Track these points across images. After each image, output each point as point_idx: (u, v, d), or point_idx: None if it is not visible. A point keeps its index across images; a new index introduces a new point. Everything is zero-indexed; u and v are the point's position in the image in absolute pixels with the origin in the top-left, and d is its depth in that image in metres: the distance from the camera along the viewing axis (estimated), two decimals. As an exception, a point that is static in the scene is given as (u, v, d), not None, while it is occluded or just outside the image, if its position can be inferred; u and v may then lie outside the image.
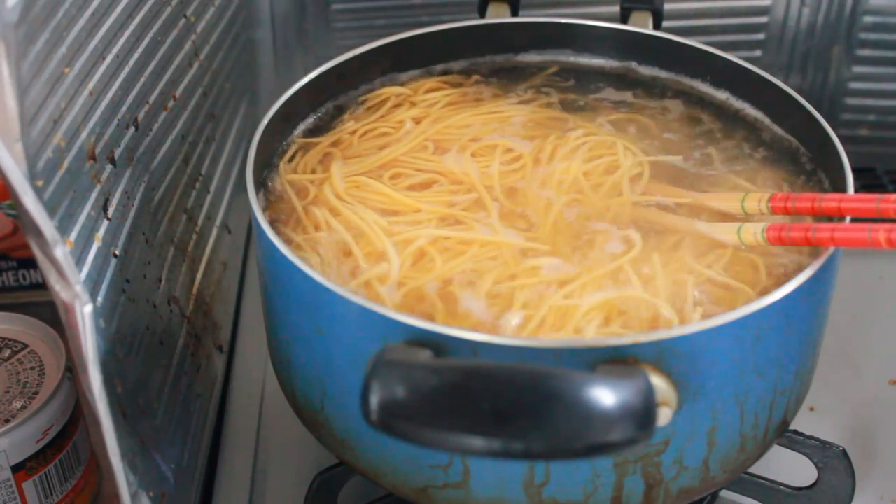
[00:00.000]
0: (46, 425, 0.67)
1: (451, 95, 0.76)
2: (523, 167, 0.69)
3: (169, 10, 0.72)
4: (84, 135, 0.58)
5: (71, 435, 0.69)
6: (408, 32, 0.77)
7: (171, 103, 0.73)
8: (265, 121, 0.68)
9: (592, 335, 0.57)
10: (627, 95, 0.77)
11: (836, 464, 0.67)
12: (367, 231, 0.63)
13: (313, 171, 0.69)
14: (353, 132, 0.73)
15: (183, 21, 0.75)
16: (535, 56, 0.80)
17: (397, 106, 0.75)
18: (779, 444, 0.66)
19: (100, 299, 0.57)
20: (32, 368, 0.70)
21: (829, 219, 0.61)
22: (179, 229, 0.74)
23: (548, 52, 0.80)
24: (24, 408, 0.67)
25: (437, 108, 0.74)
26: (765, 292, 0.56)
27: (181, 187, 0.75)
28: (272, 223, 0.66)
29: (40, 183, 0.51)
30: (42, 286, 0.87)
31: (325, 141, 0.72)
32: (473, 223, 0.64)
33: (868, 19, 0.99)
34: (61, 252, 0.50)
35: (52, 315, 0.57)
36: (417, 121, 0.73)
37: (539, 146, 0.70)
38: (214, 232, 0.83)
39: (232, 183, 0.89)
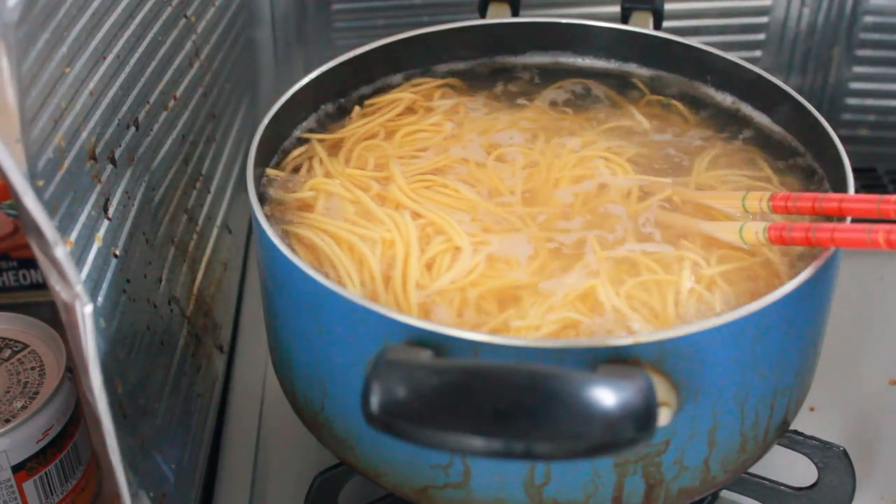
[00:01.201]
0: (47, 425, 0.67)
1: (464, 100, 0.76)
2: (536, 174, 0.69)
3: (169, 10, 0.72)
4: (84, 135, 0.58)
5: (71, 435, 0.69)
6: (408, 32, 0.77)
7: (171, 103, 0.73)
8: (265, 121, 0.68)
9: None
10: (627, 96, 0.77)
11: (836, 464, 0.67)
12: (447, 229, 0.64)
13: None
14: (374, 134, 0.73)
15: (183, 21, 0.75)
16: (536, 57, 0.80)
17: (412, 110, 0.75)
18: (779, 444, 0.66)
19: (100, 299, 0.57)
20: (33, 368, 0.70)
21: (830, 219, 0.61)
22: (180, 229, 0.74)
23: (548, 52, 0.80)
24: (24, 408, 0.67)
25: (461, 115, 0.74)
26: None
27: (182, 187, 0.75)
28: (297, 211, 0.66)
29: (41, 183, 0.51)
30: (42, 286, 0.87)
31: (348, 137, 0.72)
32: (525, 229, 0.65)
33: (868, 19, 0.99)
34: (62, 252, 0.50)
35: (53, 315, 0.57)
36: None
37: (540, 158, 0.71)
38: (215, 232, 0.83)
39: (232, 183, 0.89)
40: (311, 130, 0.73)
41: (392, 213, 0.65)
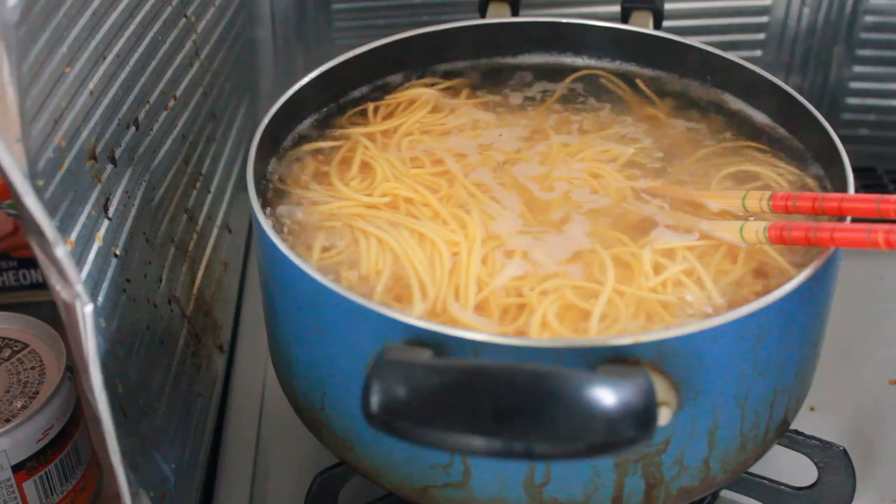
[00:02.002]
0: (47, 425, 0.67)
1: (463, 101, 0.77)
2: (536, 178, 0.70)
3: (169, 9, 0.72)
4: (85, 134, 0.58)
5: (71, 434, 0.69)
6: (408, 32, 0.77)
7: (171, 103, 0.73)
8: (265, 120, 0.68)
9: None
10: (627, 95, 0.77)
11: (836, 464, 0.67)
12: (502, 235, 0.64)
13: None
14: (410, 133, 0.73)
15: (183, 21, 0.75)
16: (536, 57, 0.81)
17: (437, 109, 0.75)
18: (779, 443, 0.66)
19: (100, 299, 0.57)
20: (33, 368, 0.70)
21: (830, 219, 0.61)
22: (180, 229, 0.74)
23: (548, 52, 0.80)
24: (24, 407, 0.67)
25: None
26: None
27: (182, 187, 0.75)
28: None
29: (41, 182, 0.51)
30: (43, 286, 0.87)
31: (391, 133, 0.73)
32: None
33: (868, 19, 0.99)
34: (62, 252, 0.50)
35: (53, 315, 0.57)
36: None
37: (537, 161, 0.71)
38: (215, 231, 0.83)
39: (232, 183, 0.89)
40: (311, 129, 0.73)
41: (458, 213, 0.65)
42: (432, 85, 0.77)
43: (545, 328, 0.58)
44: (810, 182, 0.68)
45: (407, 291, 0.60)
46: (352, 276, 0.61)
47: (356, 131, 0.73)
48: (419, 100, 0.76)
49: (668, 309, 0.59)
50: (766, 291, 0.56)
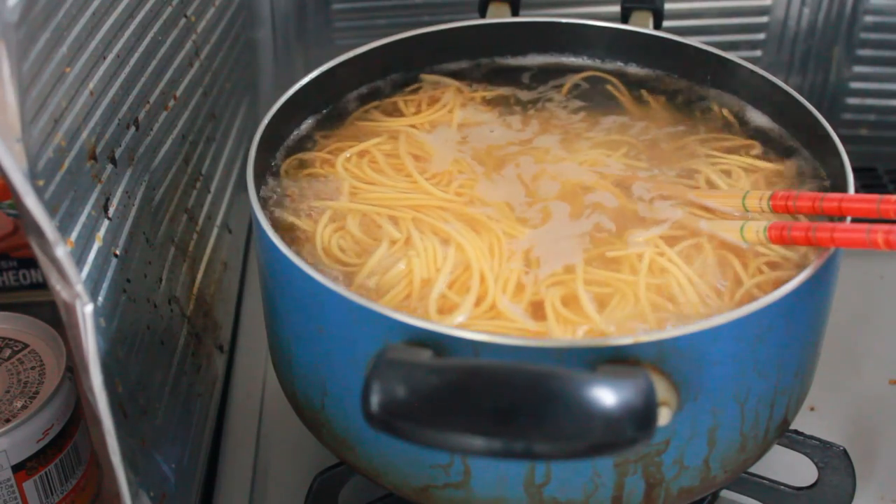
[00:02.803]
0: (47, 425, 0.67)
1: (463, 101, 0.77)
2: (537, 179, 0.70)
3: (169, 9, 0.72)
4: (85, 134, 0.58)
5: (71, 435, 0.69)
6: (408, 32, 0.77)
7: (171, 103, 0.73)
8: (265, 121, 0.68)
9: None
10: (628, 96, 0.77)
11: (836, 463, 0.67)
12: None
13: None
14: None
15: (183, 21, 0.75)
16: (536, 57, 0.81)
17: (462, 105, 0.76)
18: (779, 443, 0.66)
19: (100, 299, 0.57)
20: (33, 368, 0.70)
21: (830, 218, 0.61)
22: (180, 229, 0.74)
23: (548, 52, 0.80)
24: (24, 407, 0.67)
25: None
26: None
27: (182, 187, 0.75)
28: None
29: (41, 183, 0.51)
30: (43, 286, 0.87)
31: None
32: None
33: (868, 19, 0.99)
34: (62, 252, 0.50)
35: (53, 315, 0.57)
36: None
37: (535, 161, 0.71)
38: (215, 232, 0.83)
39: (232, 183, 0.89)
40: (313, 130, 0.73)
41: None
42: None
43: (557, 317, 0.58)
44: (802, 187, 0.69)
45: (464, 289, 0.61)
46: (412, 267, 0.62)
47: (399, 124, 0.73)
48: (444, 96, 0.76)
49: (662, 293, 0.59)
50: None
